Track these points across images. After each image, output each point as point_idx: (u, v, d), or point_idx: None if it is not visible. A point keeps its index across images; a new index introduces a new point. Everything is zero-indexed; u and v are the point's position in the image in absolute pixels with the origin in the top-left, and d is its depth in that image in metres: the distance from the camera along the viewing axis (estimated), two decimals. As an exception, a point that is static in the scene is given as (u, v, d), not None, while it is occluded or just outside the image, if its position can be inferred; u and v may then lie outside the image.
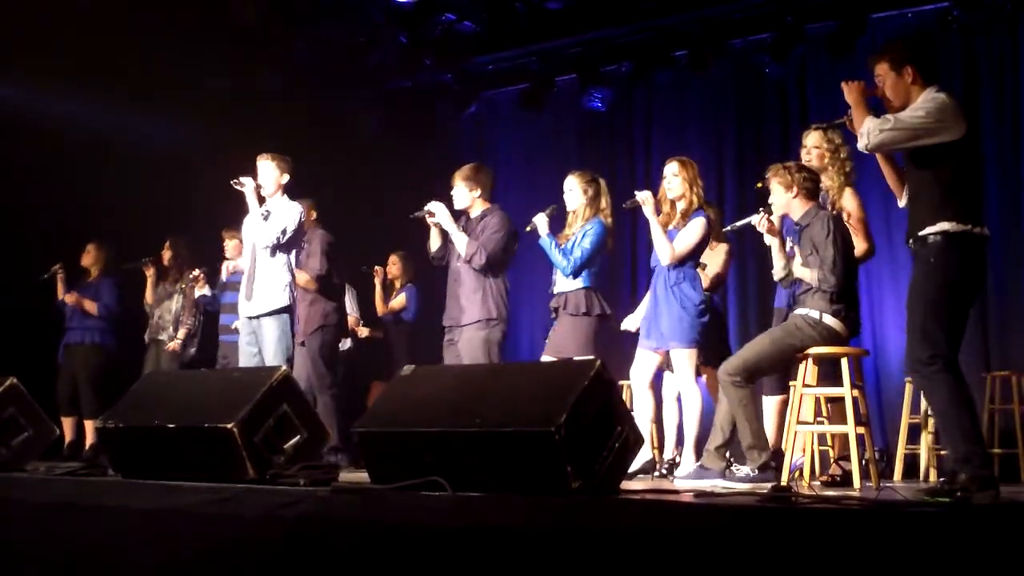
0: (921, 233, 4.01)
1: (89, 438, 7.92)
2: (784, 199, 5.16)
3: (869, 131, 3.99)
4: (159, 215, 8.38)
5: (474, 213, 6.24)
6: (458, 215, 6.25)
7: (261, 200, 6.32)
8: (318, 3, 8.69)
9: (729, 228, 5.77)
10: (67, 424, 8.04)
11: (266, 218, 6.25)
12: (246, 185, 6.23)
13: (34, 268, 8.31)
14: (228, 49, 8.45)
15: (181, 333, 8.10)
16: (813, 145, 5.56)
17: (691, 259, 5.78)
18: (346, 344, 7.96)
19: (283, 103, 8.88)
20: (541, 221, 6.02)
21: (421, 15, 8.66)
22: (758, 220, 5.33)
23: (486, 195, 6.27)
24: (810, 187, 5.14)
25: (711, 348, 6.17)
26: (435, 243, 6.29)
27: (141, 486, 4.17)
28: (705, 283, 6.25)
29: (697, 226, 5.72)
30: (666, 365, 5.93)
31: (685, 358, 5.66)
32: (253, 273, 6.30)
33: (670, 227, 5.79)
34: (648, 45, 8.75)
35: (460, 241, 6.13)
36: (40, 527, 4.30)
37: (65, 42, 7.91)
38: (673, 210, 5.84)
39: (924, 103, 4.00)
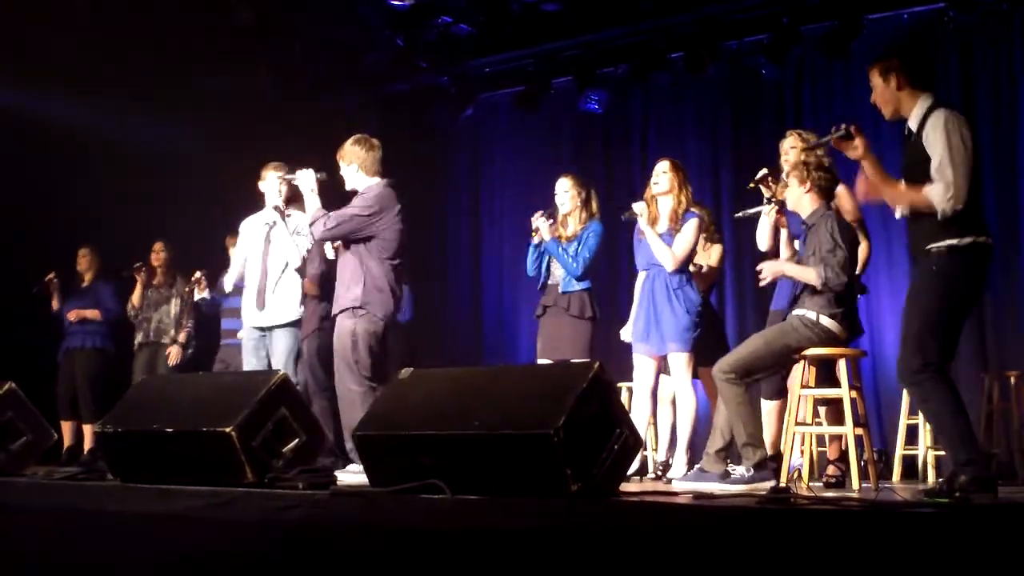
0: (925, 248, 4.00)
1: (88, 442, 7.91)
2: (796, 194, 5.12)
3: (943, 204, 3.89)
4: (151, 218, 8.35)
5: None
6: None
7: (288, 201, 6.30)
8: (315, 6, 8.67)
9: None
10: (66, 428, 8.01)
11: (282, 219, 6.22)
12: (300, 178, 5.91)
13: (29, 270, 8.29)
14: (225, 51, 8.43)
15: (182, 336, 8.09)
16: (790, 146, 5.51)
17: (688, 261, 5.83)
18: None
19: (279, 105, 8.86)
20: (544, 225, 6.06)
21: (417, 18, 8.65)
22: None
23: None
24: (823, 185, 5.08)
25: (708, 349, 6.16)
26: None
27: (140, 490, 4.17)
28: (701, 284, 6.26)
29: (692, 228, 5.78)
30: (660, 368, 5.93)
31: (684, 361, 5.69)
32: (265, 282, 6.26)
33: (662, 231, 5.79)
34: (644, 47, 8.76)
35: None
36: (39, 532, 4.29)
37: (60, 44, 7.88)
38: (655, 208, 5.84)
39: (943, 134, 3.94)
